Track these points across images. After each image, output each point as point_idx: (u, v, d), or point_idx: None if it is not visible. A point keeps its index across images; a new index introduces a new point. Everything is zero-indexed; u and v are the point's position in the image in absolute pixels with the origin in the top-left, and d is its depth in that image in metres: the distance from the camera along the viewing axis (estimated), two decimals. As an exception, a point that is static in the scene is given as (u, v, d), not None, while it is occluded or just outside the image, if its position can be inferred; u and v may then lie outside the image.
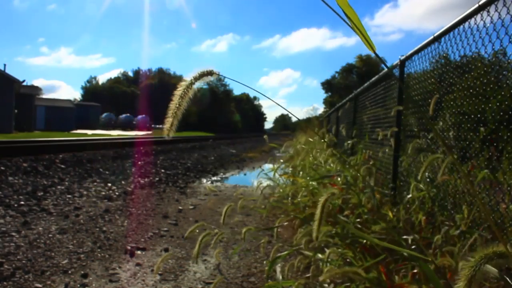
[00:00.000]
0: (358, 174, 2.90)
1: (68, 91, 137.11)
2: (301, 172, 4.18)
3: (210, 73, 0.79)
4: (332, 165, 3.92)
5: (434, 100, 1.93)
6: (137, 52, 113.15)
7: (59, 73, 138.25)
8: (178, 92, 0.78)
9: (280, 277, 1.78)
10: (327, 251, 1.67)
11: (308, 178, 3.40)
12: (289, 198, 3.49)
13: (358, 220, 2.24)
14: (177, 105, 0.78)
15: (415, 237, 1.65)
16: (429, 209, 2.15)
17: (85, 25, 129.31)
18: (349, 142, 4.78)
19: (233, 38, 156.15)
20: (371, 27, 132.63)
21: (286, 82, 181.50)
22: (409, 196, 2.17)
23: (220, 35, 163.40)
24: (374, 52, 0.62)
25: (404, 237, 1.71)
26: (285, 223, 3.00)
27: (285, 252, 1.94)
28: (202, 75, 0.79)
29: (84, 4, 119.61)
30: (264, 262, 2.76)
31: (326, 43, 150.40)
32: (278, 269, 1.81)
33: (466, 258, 1.49)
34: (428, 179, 2.32)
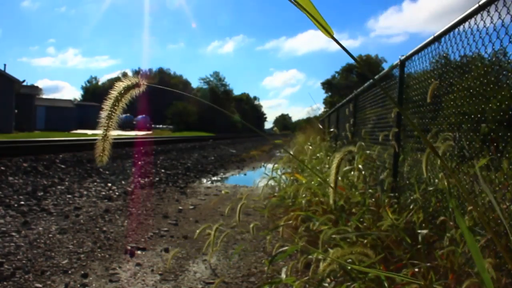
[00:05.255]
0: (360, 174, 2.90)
1: (72, 92, 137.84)
2: (302, 172, 4.18)
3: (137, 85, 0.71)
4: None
5: (433, 86, 1.92)
6: (143, 54, 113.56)
7: (64, 74, 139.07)
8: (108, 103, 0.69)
9: (284, 276, 1.78)
10: (331, 250, 1.67)
11: (309, 178, 3.39)
12: (290, 198, 3.49)
13: (361, 219, 2.24)
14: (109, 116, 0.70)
15: (425, 233, 1.65)
16: (431, 209, 2.15)
17: (94, 27, 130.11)
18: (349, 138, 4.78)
19: (238, 40, 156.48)
20: (376, 28, 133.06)
21: (290, 82, 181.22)
22: (412, 198, 2.17)
23: (229, 37, 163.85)
24: (332, 37, 0.58)
25: (420, 231, 1.71)
26: (286, 223, 3.00)
27: (286, 248, 1.94)
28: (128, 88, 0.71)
29: (93, 6, 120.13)
30: (263, 261, 2.76)
31: (331, 45, 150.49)
32: (283, 272, 1.81)
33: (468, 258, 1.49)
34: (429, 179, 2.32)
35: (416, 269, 1.60)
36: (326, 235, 1.75)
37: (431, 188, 2.16)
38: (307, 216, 2.33)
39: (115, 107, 0.69)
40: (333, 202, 0.88)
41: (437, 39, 2.15)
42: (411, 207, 2.22)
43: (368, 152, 3.71)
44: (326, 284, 1.62)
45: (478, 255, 0.54)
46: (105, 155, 0.70)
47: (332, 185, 0.86)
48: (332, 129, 7.93)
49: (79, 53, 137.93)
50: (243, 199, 2.52)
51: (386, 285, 1.49)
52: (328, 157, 4.22)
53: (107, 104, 0.69)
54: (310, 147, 5.10)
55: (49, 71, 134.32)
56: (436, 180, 2.20)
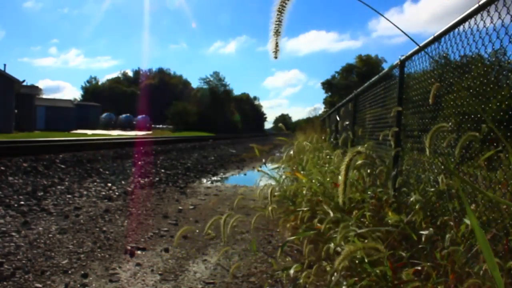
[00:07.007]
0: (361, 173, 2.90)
1: (73, 92, 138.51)
2: (302, 171, 4.18)
3: None
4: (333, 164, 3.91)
5: (435, 88, 1.91)
6: (144, 54, 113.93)
7: (66, 74, 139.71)
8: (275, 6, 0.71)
9: (292, 272, 1.78)
10: (341, 224, 1.68)
11: (310, 177, 3.39)
12: (291, 198, 3.48)
13: (361, 219, 2.24)
14: (278, 21, 0.72)
15: (426, 233, 1.66)
16: (431, 209, 2.15)
17: (96, 28, 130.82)
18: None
19: (241, 40, 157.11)
20: (377, 29, 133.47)
21: (291, 83, 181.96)
22: (412, 199, 2.17)
23: (232, 38, 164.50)
24: None
25: (422, 232, 1.71)
26: (286, 222, 3.01)
27: (293, 238, 1.94)
28: None
29: (95, 7, 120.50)
30: (268, 260, 2.76)
31: (333, 46, 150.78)
32: (292, 268, 1.82)
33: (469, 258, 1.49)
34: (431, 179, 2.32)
35: (419, 268, 1.60)
36: (327, 229, 1.75)
37: (432, 189, 2.16)
38: (311, 215, 2.34)
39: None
40: (342, 202, 0.89)
41: (437, 39, 2.15)
42: (411, 207, 2.22)
43: (368, 151, 3.71)
44: (333, 278, 1.63)
45: (489, 252, 0.54)
46: (278, 51, 0.75)
47: (342, 186, 0.86)
48: (331, 129, 7.94)
49: (81, 54, 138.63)
50: (259, 192, 2.51)
51: (390, 283, 1.50)
52: (328, 156, 4.22)
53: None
54: (309, 144, 5.10)
55: (50, 71, 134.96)
56: (438, 180, 2.20)
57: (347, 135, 4.94)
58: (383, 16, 0.73)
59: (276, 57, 0.74)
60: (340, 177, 0.87)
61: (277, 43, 0.74)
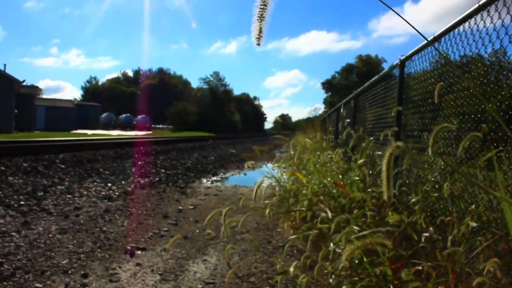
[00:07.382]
0: (361, 174, 2.90)
1: (73, 92, 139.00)
2: (303, 171, 4.18)
3: None
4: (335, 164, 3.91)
5: (439, 88, 1.91)
6: (145, 54, 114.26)
7: (66, 74, 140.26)
8: None
9: (292, 270, 1.79)
10: (345, 229, 1.69)
11: (310, 177, 3.39)
12: (291, 198, 3.49)
13: (363, 219, 2.25)
14: (262, 5, 0.66)
15: (427, 234, 1.66)
16: (431, 210, 2.15)
17: (97, 28, 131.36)
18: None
19: (242, 40, 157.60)
20: (378, 29, 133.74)
21: (292, 83, 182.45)
22: (414, 200, 2.17)
23: (232, 38, 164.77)
24: None
25: (424, 234, 1.72)
26: (286, 224, 3.01)
27: (294, 236, 1.94)
28: None
29: (96, 7, 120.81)
30: (268, 259, 2.76)
31: (333, 46, 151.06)
32: (292, 266, 1.83)
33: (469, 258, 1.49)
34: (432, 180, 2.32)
35: (419, 268, 1.60)
36: (327, 228, 1.75)
37: (435, 194, 2.16)
38: (312, 215, 2.34)
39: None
40: (388, 198, 0.84)
41: (437, 39, 2.15)
42: (411, 207, 2.22)
43: (368, 150, 3.71)
44: (331, 280, 1.63)
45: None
46: (261, 37, 0.70)
47: (385, 181, 0.83)
48: (332, 129, 7.94)
49: (81, 54, 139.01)
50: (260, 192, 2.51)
51: (391, 283, 1.50)
52: (329, 156, 4.21)
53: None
54: (310, 141, 5.10)
55: (50, 71, 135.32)
56: (438, 180, 2.20)
57: (348, 134, 4.94)
58: (399, 15, 0.73)
59: (258, 44, 0.70)
60: (383, 173, 0.84)
61: (261, 28, 0.69)
